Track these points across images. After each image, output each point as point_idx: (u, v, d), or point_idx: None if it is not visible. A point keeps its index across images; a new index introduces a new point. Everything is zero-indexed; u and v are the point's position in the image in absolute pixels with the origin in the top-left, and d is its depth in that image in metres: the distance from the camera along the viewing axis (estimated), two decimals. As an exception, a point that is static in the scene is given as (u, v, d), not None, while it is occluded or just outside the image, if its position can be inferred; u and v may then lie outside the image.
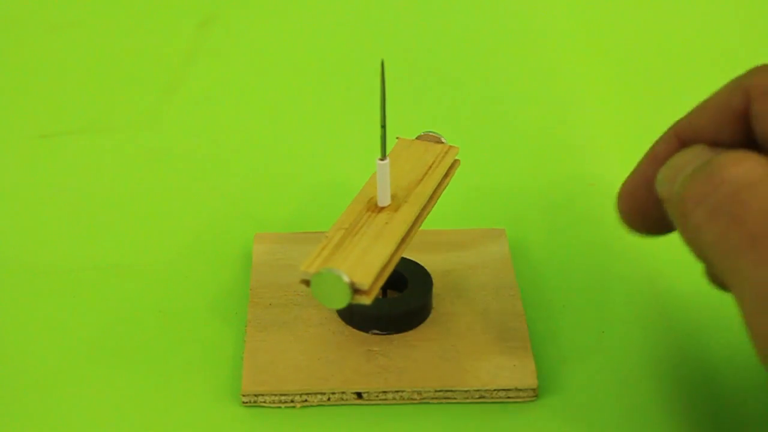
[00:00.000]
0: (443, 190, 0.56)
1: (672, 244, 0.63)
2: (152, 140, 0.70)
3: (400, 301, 0.56)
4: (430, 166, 0.56)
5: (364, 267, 0.50)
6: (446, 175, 0.56)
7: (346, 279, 0.49)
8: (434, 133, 0.57)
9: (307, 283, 0.50)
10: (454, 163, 0.57)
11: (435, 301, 0.57)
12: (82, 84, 0.75)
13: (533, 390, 0.53)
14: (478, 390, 0.53)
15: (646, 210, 0.50)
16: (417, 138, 0.57)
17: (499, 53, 0.78)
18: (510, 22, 0.81)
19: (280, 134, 0.71)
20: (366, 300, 0.49)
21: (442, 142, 0.57)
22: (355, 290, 0.49)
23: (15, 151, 0.69)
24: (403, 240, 0.52)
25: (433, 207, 0.55)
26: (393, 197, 0.54)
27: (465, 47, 0.79)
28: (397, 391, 0.53)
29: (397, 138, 0.57)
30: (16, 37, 0.79)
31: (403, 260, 0.57)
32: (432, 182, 0.55)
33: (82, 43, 0.79)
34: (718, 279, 0.48)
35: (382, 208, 0.54)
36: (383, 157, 0.53)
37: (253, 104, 0.74)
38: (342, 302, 0.49)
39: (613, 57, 0.78)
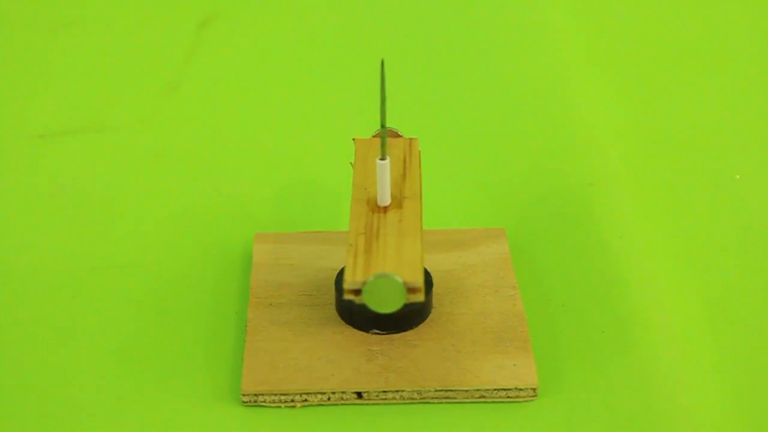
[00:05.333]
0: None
1: (672, 243, 0.63)
2: (152, 140, 0.70)
3: (401, 301, 0.56)
4: (404, 160, 0.56)
5: (409, 266, 0.50)
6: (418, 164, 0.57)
7: (400, 280, 0.49)
8: (391, 128, 0.57)
9: (356, 292, 0.50)
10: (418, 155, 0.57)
11: (435, 301, 0.57)
12: (82, 84, 0.75)
13: (533, 389, 0.53)
14: (478, 389, 0.53)
15: None
16: (373, 136, 0.58)
17: (499, 53, 0.79)
18: (510, 23, 0.81)
19: (280, 134, 0.71)
20: (420, 297, 0.49)
21: (400, 136, 0.57)
22: (409, 289, 0.49)
23: (15, 151, 0.69)
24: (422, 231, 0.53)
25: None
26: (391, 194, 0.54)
27: (465, 47, 0.79)
28: (397, 391, 0.53)
29: (353, 139, 0.57)
30: (16, 37, 0.79)
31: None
32: (415, 175, 0.55)
33: (82, 43, 0.79)
34: None
35: (386, 207, 0.54)
36: (383, 157, 0.53)
37: (253, 104, 0.74)
38: (398, 304, 0.49)
39: (613, 57, 0.78)
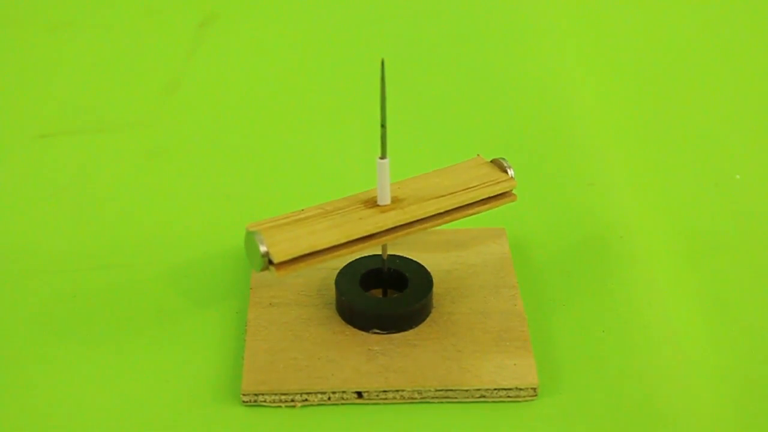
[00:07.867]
0: (473, 213, 0.55)
1: (672, 243, 0.63)
2: (152, 140, 0.70)
3: (401, 301, 0.56)
4: (468, 188, 0.55)
5: (290, 246, 0.51)
6: (485, 202, 0.55)
7: (263, 249, 0.51)
8: (506, 161, 0.57)
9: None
10: (504, 195, 0.56)
11: (435, 301, 0.57)
12: (82, 84, 0.75)
13: (534, 389, 0.53)
14: (478, 389, 0.53)
15: None
16: (491, 161, 0.57)
17: (499, 53, 0.79)
18: (510, 23, 0.81)
19: (280, 134, 0.71)
20: (276, 274, 0.51)
21: (506, 172, 0.56)
22: (270, 261, 0.51)
23: (15, 151, 0.69)
24: (366, 239, 0.52)
25: (444, 222, 0.54)
26: (400, 200, 0.54)
27: (465, 47, 0.79)
28: (397, 391, 0.53)
29: (478, 155, 0.57)
30: (16, 37, 0.79)
31: (404, 260, 0.57)
32: (454, 201, 0.54)
33: (81, 43, 0.79)
34: None
35: (376, 206, 0.54)
36: (383, 156, 0.53)
37: (253, 104, 0.74)
38: (257, 267, 0.52)
39: (612, 57, 0.78)
